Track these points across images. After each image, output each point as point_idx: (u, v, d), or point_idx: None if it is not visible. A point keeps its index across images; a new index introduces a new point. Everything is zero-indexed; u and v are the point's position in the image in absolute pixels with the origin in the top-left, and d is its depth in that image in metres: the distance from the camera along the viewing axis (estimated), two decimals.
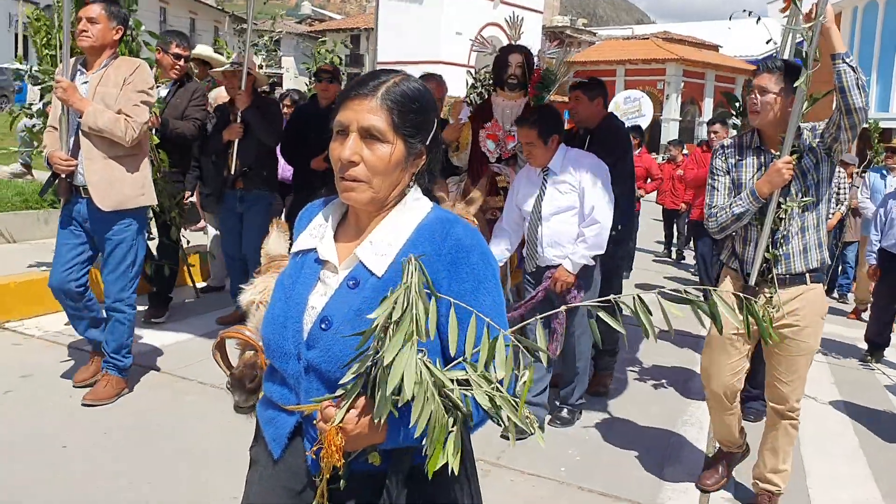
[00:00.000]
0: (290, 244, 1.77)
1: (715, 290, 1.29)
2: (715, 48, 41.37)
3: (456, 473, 1.17)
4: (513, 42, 4.60)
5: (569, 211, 3.82)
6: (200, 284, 6.60)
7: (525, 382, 1.25)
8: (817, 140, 3.04)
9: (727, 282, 3.25)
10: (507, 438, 1.17)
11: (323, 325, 1.38)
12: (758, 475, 3.29)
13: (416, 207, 1.45)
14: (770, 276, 3.04)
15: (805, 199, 3.03)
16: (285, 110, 6.74)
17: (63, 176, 3.73)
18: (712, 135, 7.15)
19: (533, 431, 1.25)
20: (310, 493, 1.39)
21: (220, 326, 5.30)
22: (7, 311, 5.01)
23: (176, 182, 5.31)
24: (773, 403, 3.19)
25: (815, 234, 3.08)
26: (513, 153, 4.51)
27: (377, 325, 1.18)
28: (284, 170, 5.99)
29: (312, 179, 5.61)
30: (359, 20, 39.10)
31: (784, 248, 3.06)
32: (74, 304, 3.90)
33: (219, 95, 6.31)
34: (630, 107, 13.74)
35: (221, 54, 6.63)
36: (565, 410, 4.11)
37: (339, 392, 1.29)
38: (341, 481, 1.33)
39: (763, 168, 3.10)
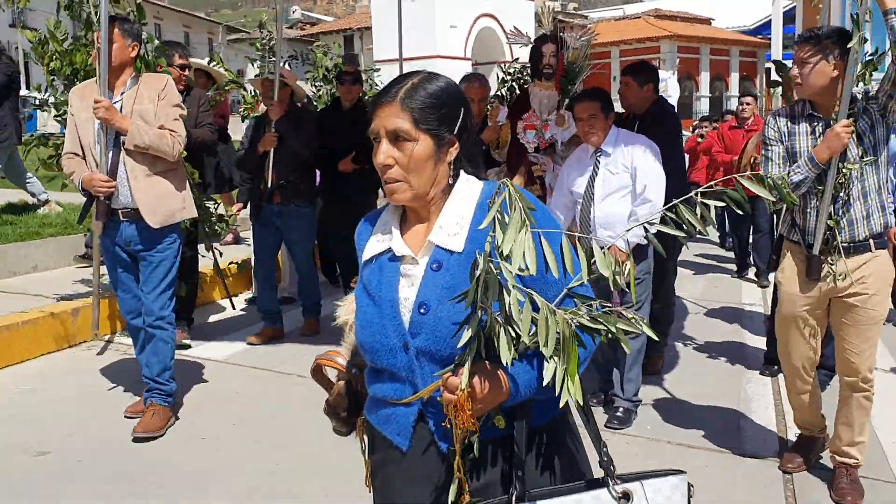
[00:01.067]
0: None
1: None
2: (707, 21, 41.20)
3: (581, 404, 1.28)
4: (546, 32, 4.62)
5: (621, 191, 3.84)
6: (246, 295, 6.64)
7: (630, 274, 1.37)
8: (871, 101, 3.03)
9: (788, 256, 3.25)
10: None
11: (422, 311, 1.45)
12: (835, 449, 3.28)
13: (469, 188, 1.54)
14: (834, 243, 3.07)
15: (866, 159, 3.02)
16: None
17: (102, 198, 3.71)
18: (745, 106, 7.18)
19: (644, 330, 1.32)
20: (445, 472, 1.45)
21: (250, 345, 5.26)
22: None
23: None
24: (846, 376, 3.17)
25: (877, 198, 3.07)
26: (550, 142, 4.55)
27: (479, 273, 1.23)
28: None
29: (339, 183, 5.66)
30: (350, 20, 39.06)
31: (846, 214, 3.05)
32: (145, 332, 3.86)
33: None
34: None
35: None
36: (621, 409, 3.98)
37: (457, 361, 1.35)
38: (475, 450, 1.38)
39: (816, 135, 3.10)
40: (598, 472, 1.51)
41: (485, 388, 1.33)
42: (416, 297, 1.47)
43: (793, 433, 3.68)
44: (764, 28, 35.75)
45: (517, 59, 6.10)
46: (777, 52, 29.23)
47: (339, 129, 5.61)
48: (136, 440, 3.69)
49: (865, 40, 3.00)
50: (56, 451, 3.60)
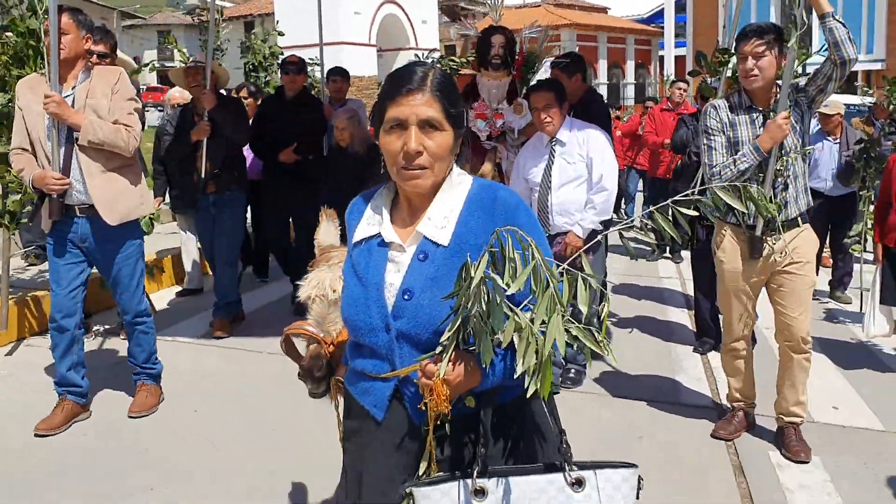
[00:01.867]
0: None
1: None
2: (604, 10, 42.57)
3: (546, 399, 1.41)
4: (494, 23, 4.66)
5: (577, 180, 3.94)
6: (175, 289, 6.53)
7: (605, 313, 1.48)
8: (800, 94, 3.31)
9: (728, 235, 3.48)
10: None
11: (406, 297, 1.54)
12: (782, 410, 3.53)
13: (461, 182, 1.62)
14: (774, 224, 3.31)
15: (806, 149, 3.32)
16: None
17: (55, 196, 3.53)
18: (678, 91, 7.60)
19: (608, 352, 1.41)
20: (415, 444, 1.57)
21: (211, 331, 5.26)
22: None
23: None
24: (787, 342, 3.43)
25: (803, 181, 3.40)
26: (501, 131, 4.62)
27: (474, 286, 1.32)
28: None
29: (279, 172, 5.53)
30: (251, 6, 37.82)
31: (783, 196, 3.34)
32: (72, 334, 3.71)
33: (172, 96, 6.08)
34: None
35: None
36: (573, 371, 4.31)
37: (437, 350, 1.45)
38: (446, 427, 1.51)
39: (756, 126, 3.32)
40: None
41: (459, 376, 1.44)
42: (401, 284, 1.56)
43: (724, 396, 3.97)
44: (657, 17, 37.34)
45: (434, 49, 6.17)
46: (669, 40, 30.28)
47: (282, 118, 5.50)
48: (132, 418, 3.88)
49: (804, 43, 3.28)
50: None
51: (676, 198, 1.48)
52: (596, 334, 1.38)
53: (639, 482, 1.54)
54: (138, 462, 3.43)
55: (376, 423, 1.62)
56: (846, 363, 4.68)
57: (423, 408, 1.48)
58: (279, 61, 7.86)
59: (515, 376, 1.34)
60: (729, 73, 4.36)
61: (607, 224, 4.12)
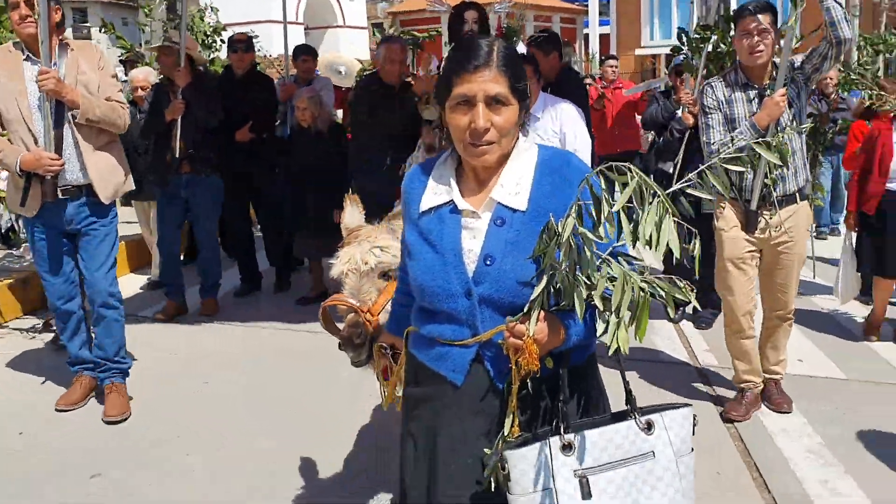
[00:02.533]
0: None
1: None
2: None
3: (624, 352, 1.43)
4: None
5: None
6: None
7: (697, 252, 1.43)
8: (797, 72, 3.43)
9: (727, 209, 3.51)
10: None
11: (487, 262, 1.58)
12: (764, 369, 3.71)
13: (528, 149, 1.67)
14: (771, 199, 3.39)
15: (804, 125, 3.42)
16: None
17: (49, 178, 3.39)
18: (609, 68, 7.69)
19: (691, 300, 1.44)
20: (495, 407, 1.61)
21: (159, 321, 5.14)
22: None
23: None
24: (776, 311, 3.57)
25: (801, 156, 3.50)
26: None
27: (564, 240, 1.37)
28: None
29: (231, 151, 5.43)
30: None
31: (780, 171, 3.37)
32: (77, 316, 3.70)
33: (135, 78, 5.91)
34: None
35: None
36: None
37: (525, 310, 1.49)
38: (528, 387, 1.56)
39: (752, 103, 3.37)
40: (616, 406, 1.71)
41: (547, 336, 1.49)
42: (480, 249, 1.59)
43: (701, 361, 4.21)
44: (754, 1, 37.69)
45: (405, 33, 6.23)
46: (594, 18, 30.76)
47: (232, 97, 5.39)
48: (108, 423, 3.62)
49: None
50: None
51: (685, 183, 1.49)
52: (679, 282, 1.43)
53: (693, 419, 1.63)
54: (139, 462, 3.32)
55: (454, 388, 1.64)
56: (809, 325, 4.95)
57: (515, 367, 1.51)
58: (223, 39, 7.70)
59: (598, 334, 1.42)
60: (710, 48, 4.46)
61: None
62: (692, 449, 1.60)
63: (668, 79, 5.49)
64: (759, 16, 3.28)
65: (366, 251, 2.06)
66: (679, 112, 4.88)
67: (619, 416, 1.60)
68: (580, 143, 3.86)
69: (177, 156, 4.96)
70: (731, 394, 3.87)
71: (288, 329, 5.03)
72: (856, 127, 5.42)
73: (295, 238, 5.66)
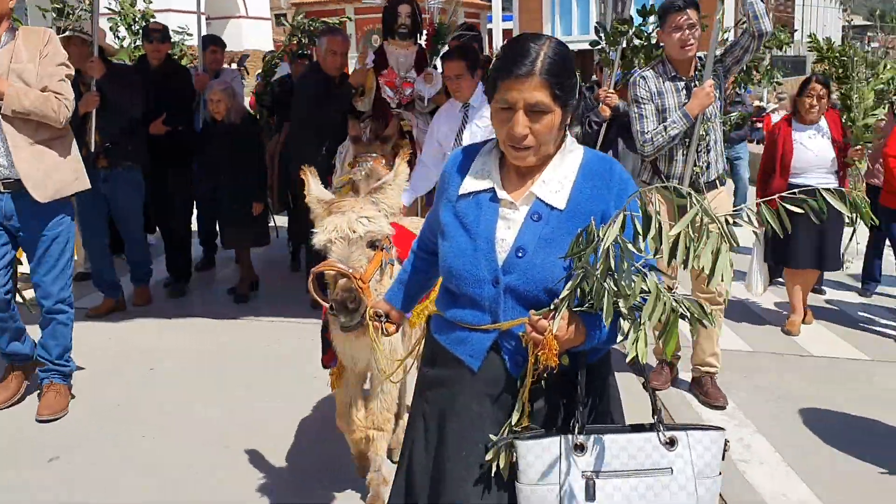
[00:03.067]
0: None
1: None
2: None
3: (643, 362, 1.44)
4: None
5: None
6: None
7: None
8: (717, 64, 3.54)
9: (655, 197, 3.61)
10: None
11: (519, 254, 1.59)
12: (698, 361, 3.79)
13: (574, 150, 1.68)
14: (699, 185, 3.52)
15: (730, 114, 3.65)
16: None
17: None
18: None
19: (713, 323, 1.52)
20: (508, 396, 1.63)
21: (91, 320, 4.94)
22: None
23: None
24: (705, 295, 3.58)
25: (721, 144, 3.72)
26: (410, 99, 4.79)
27: (602, 249, 1.39)
28: None
29: (150, 146, 5.24)
30: None
31: (706, 159, 3.56)
32: (8, 314, 3.49)
33: None
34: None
35: None
36: None
37: (551, 307, 1.51)
38: (542, 382, 1.57)
39: (681, 94, 3.51)
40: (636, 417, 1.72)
41: (568, 334, 1.50)
42: (514, 241, 1.61)
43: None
44: None
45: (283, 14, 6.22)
46: (497, 13, 31.37)
47: (148, 89, 5.16)
48: (40, 422, 3.52)
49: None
50: None
51: (784, 194, 1.47)
52: (704, 306, 1.44)
53: (725, 444, 1.60)
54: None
55: (470, 373, 1.66)
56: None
57: (534, 360, 1.53)
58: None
59: (619, 340, 1.45)
60: (624, 44, 4.67)
61: None
62: (719, 473, 1.59)
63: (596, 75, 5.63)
64: (689, 11, 3.42)
65: (353, 220, 2.06)
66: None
67: (644, 428, 1.60)
68: None
69: (92, 150, 4.74)
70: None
71: (223, 321, 4.99)
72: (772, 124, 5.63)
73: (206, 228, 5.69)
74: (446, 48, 4.88)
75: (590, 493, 1.51)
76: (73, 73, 3.47)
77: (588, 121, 4.68)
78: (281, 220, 6.35)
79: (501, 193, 1.65)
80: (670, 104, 3.55)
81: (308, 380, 3.77)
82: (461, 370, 1.68)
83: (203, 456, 3.22)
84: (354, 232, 2.04)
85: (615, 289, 1.39)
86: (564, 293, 1.49)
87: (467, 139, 4.13)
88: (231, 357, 4.35)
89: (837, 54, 4.78)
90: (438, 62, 4.96)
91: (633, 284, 1.39)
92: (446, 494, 1.66)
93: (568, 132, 1.68)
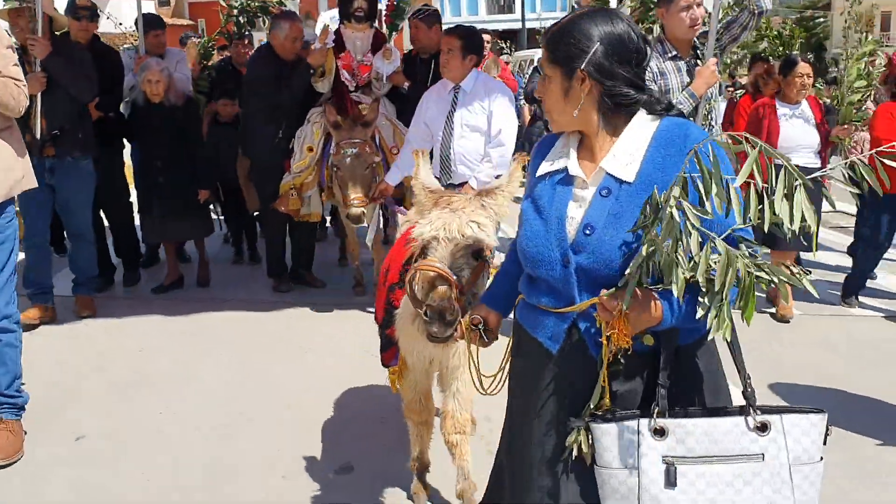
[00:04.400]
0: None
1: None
2: None
3: (729, 340, 1.42)
4: None
5: (478, 131, 4.01)
6: None
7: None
8: (714, 42, 3.55)
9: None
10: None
11: (587, 231, 1.54)
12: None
13: (645, 122, 1.60)
14: None
15: (730, 90, 3.77)
16: None
17: None
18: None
19: (807, 286, 1.37)
20: (589, 378, 1.57)
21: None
22: None
23: None
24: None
25: (719, 122, 3.78)
26: (367, 81, 4.91)
27: (667, 213, 1.32)
28: None
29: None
30: None
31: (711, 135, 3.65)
32: None
33: None
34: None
35: None
36: None
37: (619, 284, 1.46)
38: (620, 362, 1.54)
39: (683, 73, 3.50)
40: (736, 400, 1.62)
41: (640, 313, 1.44)
42: (582, 218, 1.56)
43: None
44: None
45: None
46: None
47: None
48: None
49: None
50: None
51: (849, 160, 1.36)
52: (792, 267, 1.42)
53: (826, 429, 1.50)
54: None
55: (550, 356, 1.63)
56: None
57: (605, 342, 1.50)
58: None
59: (698, 317, 1.35)
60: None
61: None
62: (820, 458, 1.49)
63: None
64: None
65: (464, 223, 1.89)
66: None
67: (734, 412, 1.53)
68: (505, 123, 4.02)
69: (37, 136, 4.43)
70: None
71: (170, 320, 4.80)
72: (742, 103, 5.51)
73: (144, 222, 5.35)
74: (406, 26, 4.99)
75: (671, 479, 1.45)
76: (16, 57, 3.12)
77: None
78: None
79: (574, 171, 1.63)
80: (673, 85, 3.52)
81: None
82: (541, 354, 1.65)
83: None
84: (464, 236, 1.88)
85: (684, 259, 1.32)
86: (631, 268, 1.43)
87: (458, 124, 4.05)
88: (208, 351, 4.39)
89: (776, 33, 4.95)
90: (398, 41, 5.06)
91: (701, 252, 1.30)
92: (527, 479, 1.66)
93: (638, 107, 1.61)
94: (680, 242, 1.31)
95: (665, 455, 1.46)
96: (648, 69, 3.39)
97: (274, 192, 4.97)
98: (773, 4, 3.59)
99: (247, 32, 6.51)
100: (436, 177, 4.17)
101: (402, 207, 4.15)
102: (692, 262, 1.31)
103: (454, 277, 1.83)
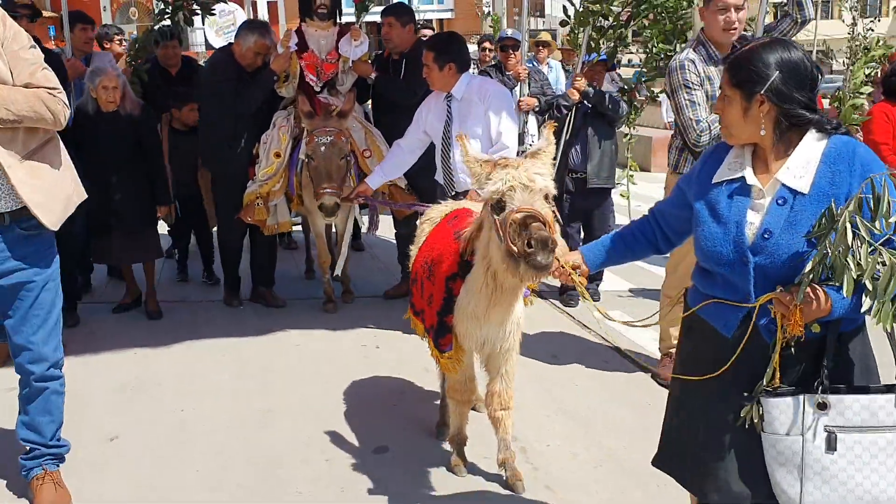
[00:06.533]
0: None
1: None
2: None
3: (890, 329, 1.68)
4: None
5: (476, 138, 3.84)
6: None
7: None
8: None
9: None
10: None
11: (766, 236, 1.79)
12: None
13: (815, 139, 1.83)
14: None
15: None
16: None
17: None
18: (486, 52, 7.03)
19: None
20: (760, 362, 1.82)
21: None
22: None
23: None
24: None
25: None
26: (330, 78, 4.73)
27: (840, 228, 1.63)
28: None
29: None
30: None
31: None
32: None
33: None
34: (225, 20, 12.88)
35: None
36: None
37: (796, 282, 1.73)
38: (791, 348, 1.79)
39: None
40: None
41: (813, 307, 1.69)
42: (760, 224, 1.81)
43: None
44: None
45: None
46: None
47: None
48: None
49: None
50: None
51: None
52: None
53: None
54: None
55: (725, 340, 1.87)
56: None
57: (780, 330, 1.75)
58: None
59: (862, 310, 1.64)
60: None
61: None
62: None
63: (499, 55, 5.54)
64: None
65: (531, 172, 2.14)
66: (559, 88, 5.20)
67: (885, 389, 1.77)
68: (505, 125, 3.89)
69: None
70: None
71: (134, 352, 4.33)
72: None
73: (93, 242, 4.81)
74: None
75: (831, 444, 1.73)
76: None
77: (556, 104, 4.70)
78: None
79: (752, 180, 1.86)
80: (717, 91, 3.18)
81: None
82: (717, 338, 1.90)
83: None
84: (533, 181, 2.13)
85: (854, 264, 1.61)
86: (808, 269, 1.70)
87: (455, 131, 3.83)
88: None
89: None
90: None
91: (870, 258, 1.60)
92: (705, 447, 1.92)
93: (810, 126, 1.83)
94: (851, 250, 1.62)
95: (827, 425, 1.74)
96: (696, 72, 3.33)
97: (237, 203, 4.68)
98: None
99: (175, 32, 5.56)
100: (440, 184, 4.23)
101: (418, 203, 4.15)
102: (859, 266, 1.62)
103: (543, 214, 2.08)
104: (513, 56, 5.34)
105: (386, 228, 5.31)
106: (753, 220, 1.83)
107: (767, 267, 1.80)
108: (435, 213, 3.10)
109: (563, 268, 2.12)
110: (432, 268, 2.74)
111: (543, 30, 18.08)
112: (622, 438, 3.25)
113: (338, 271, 4.86)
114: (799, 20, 3.47)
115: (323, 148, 4.22)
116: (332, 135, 4.22)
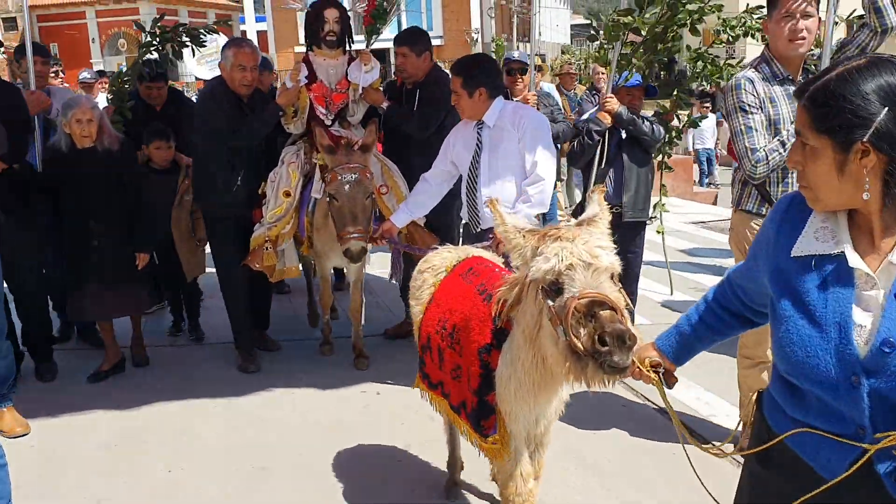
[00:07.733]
0: None
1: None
2: None
3: None
4: None
5: (510, 171, 3.56)
6: None
7: None
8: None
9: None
10: None
11: (885, 349, 1.25)
12: None
13: None
14: None
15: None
16: None
17: None
18: None
19: None
20: None
21: None
22: None
23: None
24: None
25: None
26: (340, 108, 4.37)
27: None
28: None
29: None
30: None
31: None
32: None
33: None
34: (207, 49, 12.41)
35: None
36: None
37: None
38: None
39: (791, 99, 2.83)
40: None
41: None
42: (875, 329, 1.27)
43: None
44: None
45: (162, 15, 5.21)
46: (250, 15, 30.99)
47: None
48: None
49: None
50: None
51: None
52: None
53: None
54: None
55: (821, 481, 1.35)
56: None
57: None
58: None
59: None
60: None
61: (544, 217, 3.85)
62: None
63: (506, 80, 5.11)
64: None
65: (592, 246, 1.73)
66: (589, 112, 4.64)
67: None
68: (542, 155, 3.53)
69: None
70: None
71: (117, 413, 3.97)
72: None
73: (71, 296, 4.34)
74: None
75: None
76: None
77: (587, 130, 4.33)
78: None
79: (854, 261, 1.30)
80: (784, 114, 2.90)
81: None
82: (809, 477, 1.37)
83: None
84: (596, 258, 1.71)
85: None
86: None
87: (485, 168, 3.59)
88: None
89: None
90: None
91: None
92: None
93: None
94: None
95: None
96: (754, 93, 2.91)
97: (240, 248, 4.31)
98: None
99: (161, 71, 5.16)
100: (464, 222, 3.89)
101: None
102: None
103: (613, 300, 1.64)
104: (520, 81, 5.03)
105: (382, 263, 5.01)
106: (863, 323, 1.28)
107: (889, 392, 1.25)
108: (437, 261, 2.73)
109: (641, 368, 1.68)
110: (456, 335, 2.37)
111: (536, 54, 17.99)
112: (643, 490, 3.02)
113: (357, 327, 4.50)
114: (879, 29, 2.94)
115: (347, 186, 3.78)
116: (356, 171, 3.81)
